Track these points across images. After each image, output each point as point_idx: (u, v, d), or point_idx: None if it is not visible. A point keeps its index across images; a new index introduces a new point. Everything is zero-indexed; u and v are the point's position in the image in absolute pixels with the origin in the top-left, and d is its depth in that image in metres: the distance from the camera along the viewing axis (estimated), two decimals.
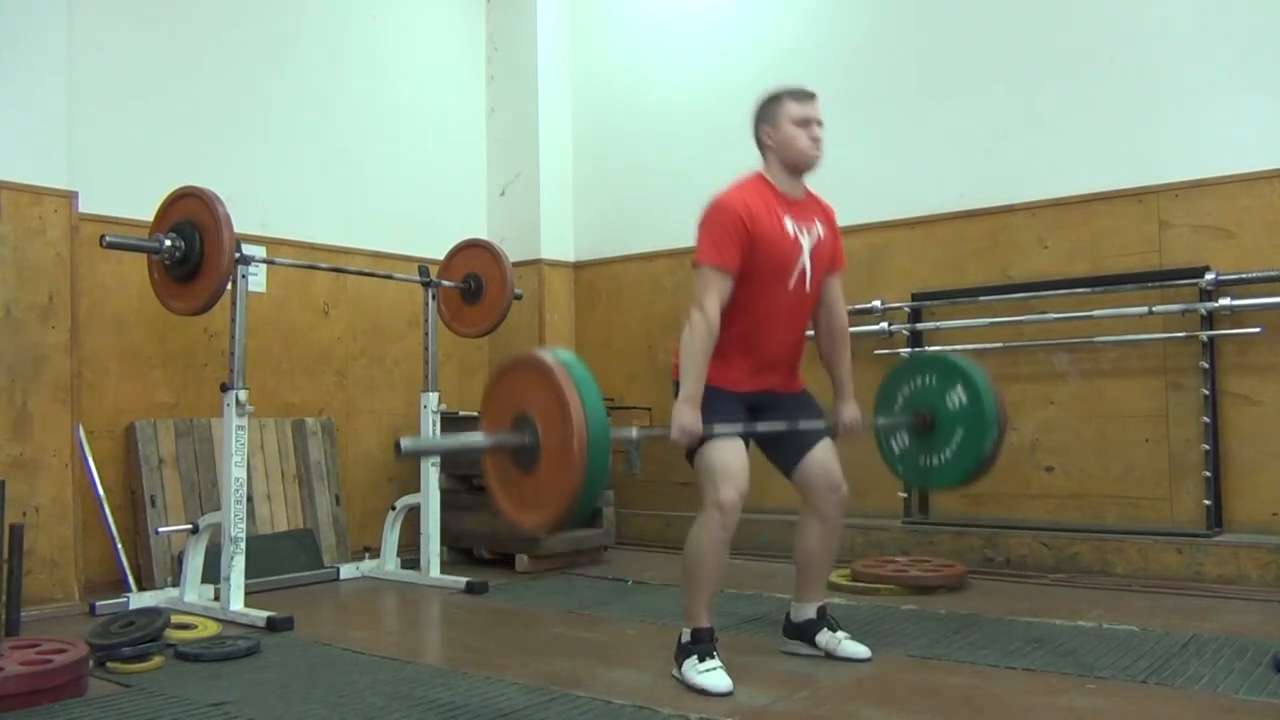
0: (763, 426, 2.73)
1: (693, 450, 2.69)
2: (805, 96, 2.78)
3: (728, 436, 2.66)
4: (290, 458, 4.66)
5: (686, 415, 2.61)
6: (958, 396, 2.95)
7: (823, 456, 2.81)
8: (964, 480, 3.01)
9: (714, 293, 2.63)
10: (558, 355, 2.28)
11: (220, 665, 2.92)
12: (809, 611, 2.89)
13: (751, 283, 2.68)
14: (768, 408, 2.79)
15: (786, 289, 2.72)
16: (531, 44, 5.73)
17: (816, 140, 2.76)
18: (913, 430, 3.05)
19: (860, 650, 2.82)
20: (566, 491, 2.16)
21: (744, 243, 2.65)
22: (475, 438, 2.38)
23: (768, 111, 2.80)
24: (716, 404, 2.68)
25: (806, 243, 2.76)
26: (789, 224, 2.73)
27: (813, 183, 2.93)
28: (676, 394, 2.68)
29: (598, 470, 2.15)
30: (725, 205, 2.69)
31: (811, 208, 2.85)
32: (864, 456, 4.53)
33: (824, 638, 2.86)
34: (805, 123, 2.75)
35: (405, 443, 2.19)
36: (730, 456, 2.64)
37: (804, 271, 2.75)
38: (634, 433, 2.55)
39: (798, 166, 2.78)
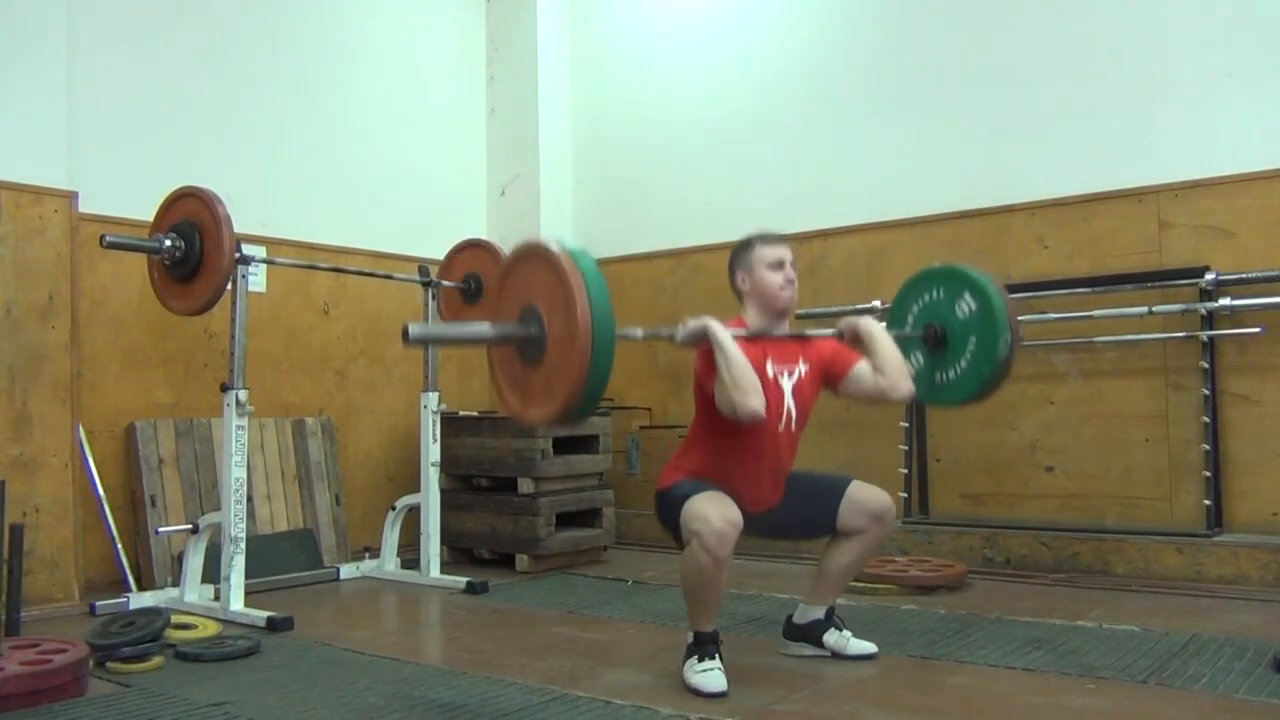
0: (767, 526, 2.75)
1: (673, 508, 2.61)
2: (775, 240, 2.81)
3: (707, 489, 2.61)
4: (290, 458, 4.66)
5: (694, 320, 2.56)
6: (966, 304, 2.91)
7: (857, 495, 2.78)
8: (982, 389, 2.90)
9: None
10: (565, 246, 2.24)
11: (220, 665, 2.92)
12: (817, 613, 2.88)
13: (735, 430, 2.63)
14: (763, 520, 2.77)
15: (775, 431, 2.71)
16: (532, 44, 5.73)
17: (791, 281, 2.78)
18: (925, 345, 3.00)
19: (868, 647, 2.84)
20: (571, 383, 2.13)
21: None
22: (482, 328, 2.34)
23: (741, 258, 2.81)
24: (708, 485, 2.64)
25: (788, 384, 2.75)
26: (770, 367, 2.72)
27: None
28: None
29: (603, 361, 2.13)
30: (708, 353, 2.62)
31: (793, 347, 2.81)
32: (864, 457, 4.57)
33: (831, 637, 2.86)
34: (778, 265, 2.76)
35: (413, 329, 2.16)
36: (709, 501, 2.55)
37: (789, 414, 2.73)
38: (639, 331, 2.52)
39: (775, 309, 2.78)
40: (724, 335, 2.55)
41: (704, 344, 2.58)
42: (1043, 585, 3.88)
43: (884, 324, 2.98)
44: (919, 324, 3.04)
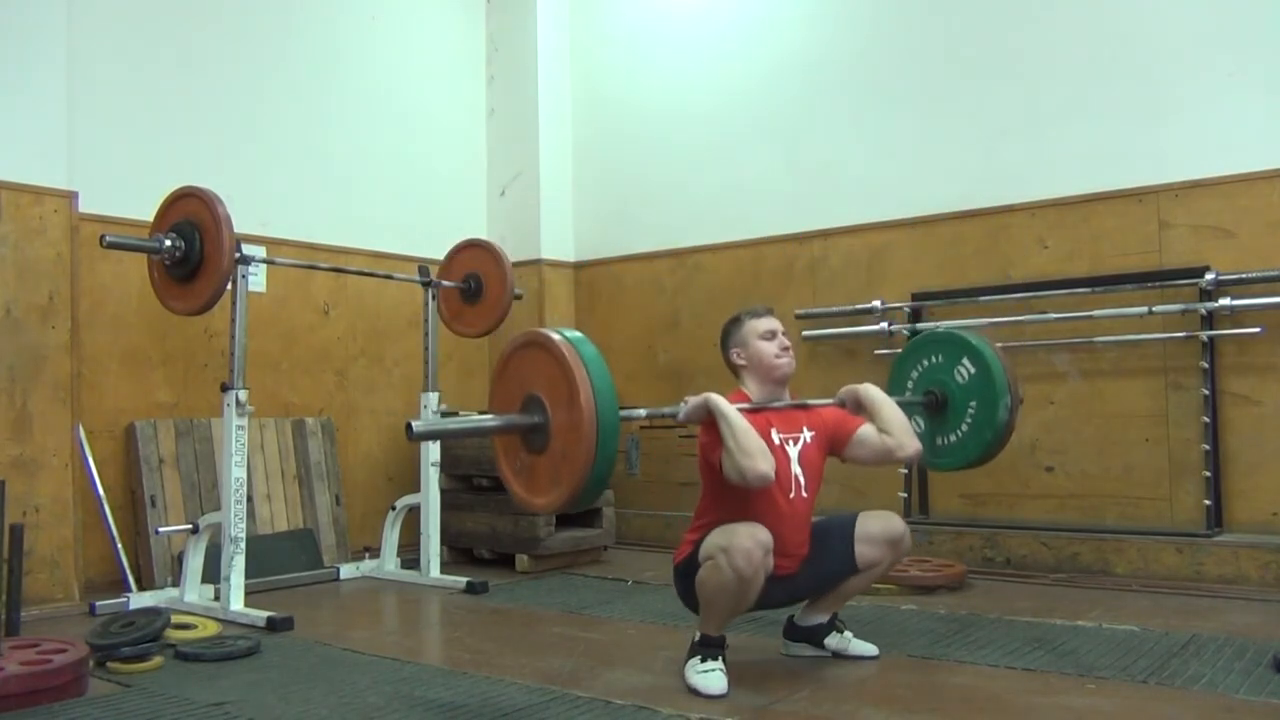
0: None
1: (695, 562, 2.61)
2: (762, 313, 2.82)
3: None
4: (290, 458, 4.66)
5: (696, 397, 2.58)
6: (965, 369, 2.94)
7: (868, 528, 2.78)
8: (984, 453, 2.93)
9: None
10: (565, 334, 2.27)
11: (220, 665, 2.92)
12: (821, 618, 2.88)
13: (745, 500, 2.62)
14: (782, 588, 2.74)
15: (787, 499, 2.69)
16: (531, 44, 5.73)
17: (786, 349, 2.78)
18: (927, 411, 3.02)
19: (869, 648, 2.84)
20: (577, 471, 2.16)
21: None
22: (485, 419, 2.38)
23: (733, 335, 2.82)
24: None
25: (794, 452, 2.74)
26: (775, 435, 2.71)
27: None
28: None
29: (608, 448, 2.15)
30: (711, 425, 2.61)
31: (797, 416, 2.80)
32: None
33: (833, 640, 2.86)
34: (770, 335, 2.77)
35: (417, 425, 2.19)
36: (730, 529, 2.53)
37: (797, 480, 2.72)
38: (642, 412, 2.55)
39: (774, 378, 2.78)
40: (726, 405, 2.56)
41: (707, 418, 2.58)
42: (1043, 585, 3.88)
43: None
44: (919, 389, 3.07)
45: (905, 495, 4.48)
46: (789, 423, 2.77)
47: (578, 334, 2.30)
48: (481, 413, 2.43)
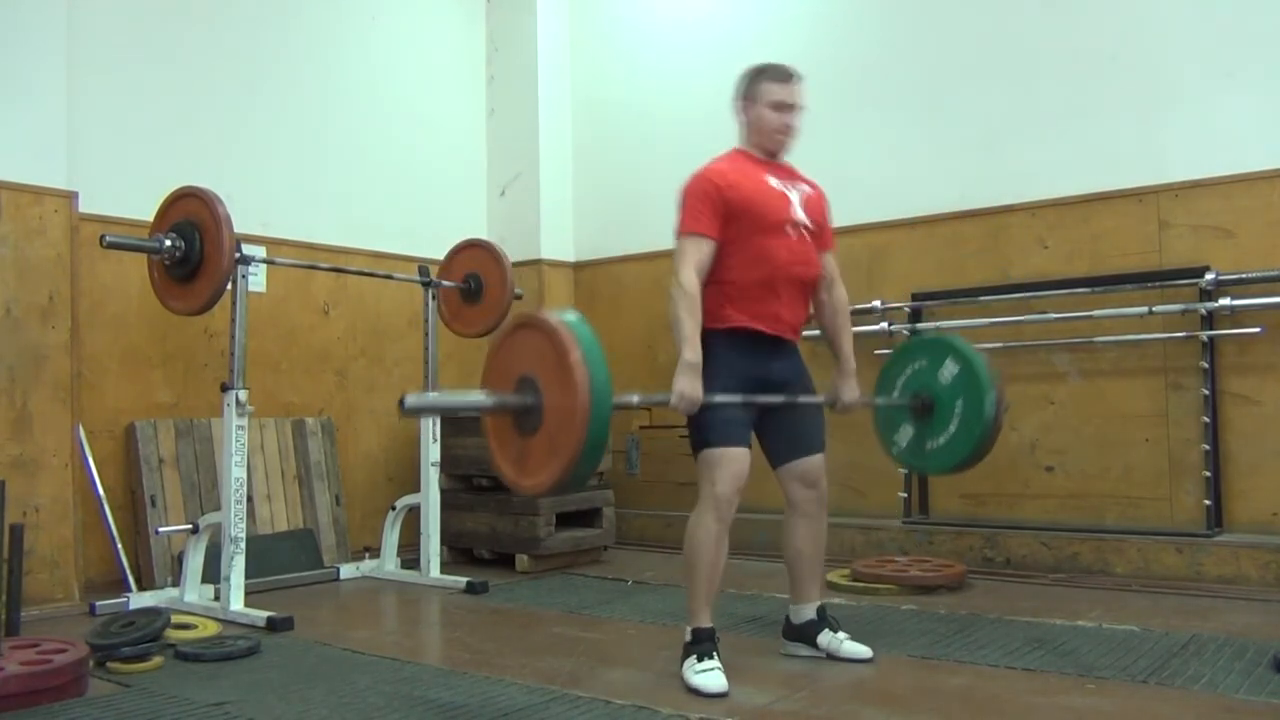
0: (763, 399, 2.73)
1: (698, 444, 2.71)
2: (785, 77, 2.80)
3: (733, 444, 2.67)
4: (290, 458, 4.66)
5: (686, 382, 2.60)
6: (949, 370, 2.94)
7: (816, 459, 2.87)
8: (974, 451, 2.93)
9: (690, 261, 2.70)
10: (562, 315, 2.26)
11: (220, 665, 2.92)
12: (808, 613, 2.89)
13: (749, 241, 2.71)
14: (776, 385, 2.79)
15: (786, 239, 2.74)
16: (532, 44, 5.73)
17: (788, 127, 2.80)
18: (914, 414, 3.03)
19: (862, 650, 2.82)
20: (568, 453, 2.15)
21: (720, 208, 2.70)
22: (478, 396, 2.36)
23: (746, 88, 2.84)
24: (723, 369, 2.69)
25: (795, 196, 2.79)
26: (772, 180, 2.77)
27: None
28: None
29: (599, 432, 2.14)
30: (699, 176, 2.76)
31: (795, 174, 2.89)
32: (864, 458, 4.56)
33: (825, 638, 2.86)
34: (780, 107, 2.78)
35: (409, 399, 2.17)
36: (733, 452, 2.67)
37: (799, 222, 2.77)
38: (634, 398, 2.54)
39: (766, 148, 2.81)
40: (689, 353, 2.62)
41: (695, 402, 2.60)
42: (1043, 585, 3.88)
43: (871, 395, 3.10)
44: (905, 395, 3.07)
45: (905, 495, 4.48)
46: (787, 175, 2.83)
47: (575, 315, 2.28)
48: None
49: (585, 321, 2.27)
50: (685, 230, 2.74)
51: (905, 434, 3.07)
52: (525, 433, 2.28)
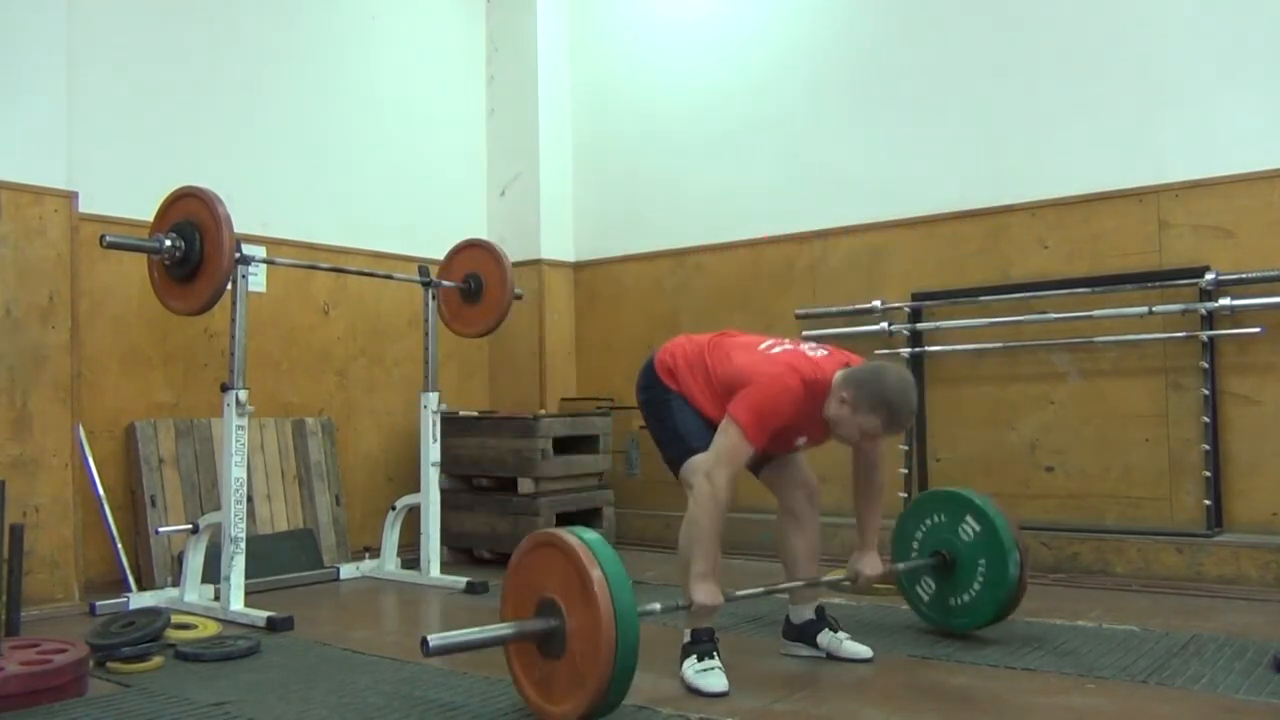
0: (784, 587, 2.83)
1: (680, 455, 2.73)
2: (895, 426, 2.66)
3: None
4: (290, 458, 4.66)
5: (704, 593, 2.55)
6: (970, 527, 3.00)
7: (797, 457, 2.89)
8: (999, 611, 2.98)
9: (734, 464, 2.58)
10: (579, 534, 2.22)
11: (220, 665, 2.92)
12: (807, 612, 2.89)
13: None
14: None
15: (792, 445, 2.82)
16: (532, 44, 5.73)
17: (860, 439, 2.70)
18: (936, 571, 3.08)
19: (862, 650, 2.83)
20: (595, 684, 2.10)
21: (776, 431, 2.64)
22: (501, 629, 2.27)
23: (868, 400, 2.59)
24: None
25: (801, 441, 2.81)
26: (798, 440, 2.80)
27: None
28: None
29: (628, 661, 2.10)
30: (785, 386, 2.60)
31: (819, 434, 2.83)
32: None
33: (825, 638, 2.86)
34: (872, 436, 2.68)
35: (434, 640, 2.12)
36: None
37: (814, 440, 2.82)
38: (658, 606, 2.45)
39: (837, 433, 2.73)
40: (704, 565, 2.59)
41: (719, 607, 2.61)
42: (1043, 585, 3.88)
43: (889, 559, 3.10)
44: (925, 549, 3.11)
45: (905, 495, 4.47)
46: (816, 428, 2.76)
47: (593, 534, 2.24)
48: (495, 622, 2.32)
49: (605, 541, 2.23)
50: (746, 433, 2.56)
51: (928, 587, 3.13)
52: (550, 657, 2.23)
